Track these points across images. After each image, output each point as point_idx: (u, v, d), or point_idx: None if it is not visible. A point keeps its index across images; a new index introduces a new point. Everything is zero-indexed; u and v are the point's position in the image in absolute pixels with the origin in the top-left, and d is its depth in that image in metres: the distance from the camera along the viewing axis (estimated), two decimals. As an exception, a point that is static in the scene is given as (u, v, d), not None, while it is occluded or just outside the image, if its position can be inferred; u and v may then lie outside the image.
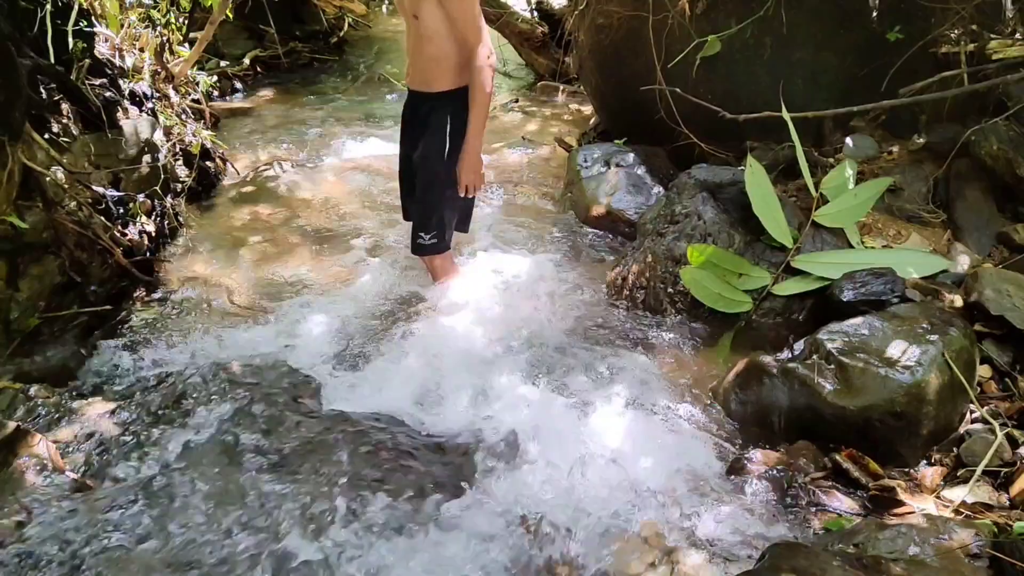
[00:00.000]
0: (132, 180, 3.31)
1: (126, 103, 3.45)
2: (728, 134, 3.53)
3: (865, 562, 1.66)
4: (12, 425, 2.08)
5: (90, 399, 2.39)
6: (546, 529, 1.93)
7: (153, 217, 3.39)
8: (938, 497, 2.03)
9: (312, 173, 4.57)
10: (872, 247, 2.96)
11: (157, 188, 3.43)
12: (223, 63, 6.37)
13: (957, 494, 1.99)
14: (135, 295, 3.08)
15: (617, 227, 3.65)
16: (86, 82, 3.11)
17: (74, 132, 3.00)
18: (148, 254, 3.21)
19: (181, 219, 3.74)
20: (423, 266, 3.19)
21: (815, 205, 2.97)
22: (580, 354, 2.74)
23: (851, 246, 2.94)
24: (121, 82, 3.48)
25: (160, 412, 2.34)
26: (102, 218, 2.94)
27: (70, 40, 3.01)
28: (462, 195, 2.86)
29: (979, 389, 2.31)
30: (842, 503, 2.03)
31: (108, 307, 2.90)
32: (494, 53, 2.73)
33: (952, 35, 3.33)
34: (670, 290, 2.94)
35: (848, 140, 3.50)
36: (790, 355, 2.37)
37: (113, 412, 2.32)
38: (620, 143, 4.01)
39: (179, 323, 2.95)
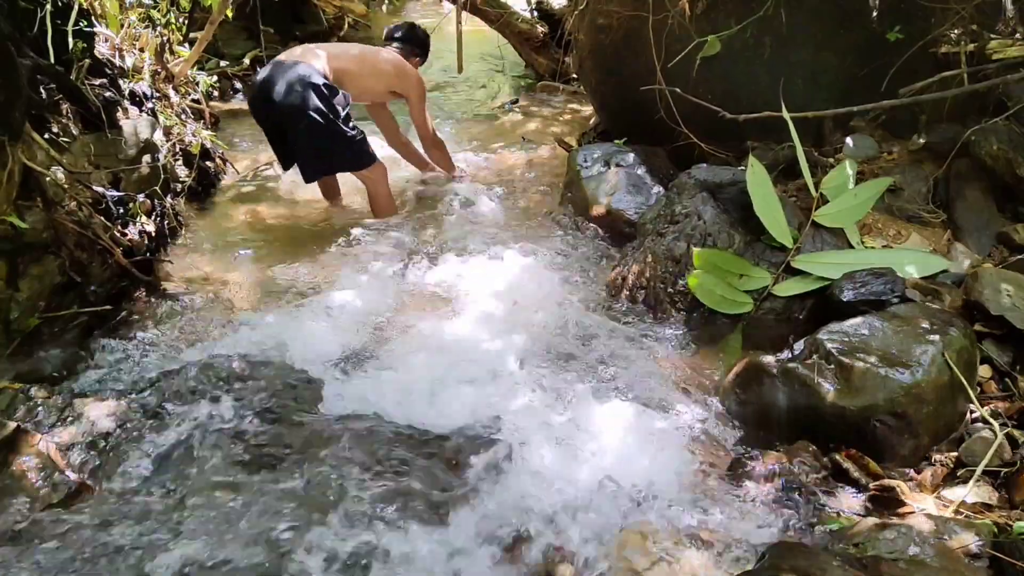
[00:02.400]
0: (132, 180, 3.31)
1: (126, 103, 3.45)
2: (728, 134, 3.53)
3: (865, 562, 1.67)
4: (12, 425, 2.08)
5: (90, 399, 2.38)
6: (546, 529, 1.93)
7: (153, 217, 3.38)
8: (938, 497, 2.03)
9: (312, 173, 4.57)
10: (872, 247, 2.96)
11: (157, 188, 3.42)
12: (223, 63, 6.36)
13: (957, 494, 1.99)
14: (135, 295, 3.07)
15: (617, 227, 3.64)
16: (86, 82, 3.11)
17: (74, 132, 3.00)
18: (148, 254, 3.20)
19: (181, 219, 3.74)
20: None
21: (815, 205, 2.97)
22: (580, 354, 2.74)
23: (851, 246, 2.94)
24: (121, 82, 3.48)
25: (160, 412, 2.34)
26: (102, 218, 2.94)
27: (70, 40, 3.01)
28: None
29: (979, 389, 2.31)
30: (842, 503, 2.03)
31: (108, 307, 2.89)
32: None
33: (952, 35, 3.33)
34: (670, 290, 2.94)
35: (848, 140, 3.50)
36: (790, 355, 2.37)
37: (113, 412, 2.32)
38: (620, 143, 4.00)
39: (179, 323, 2.95)
